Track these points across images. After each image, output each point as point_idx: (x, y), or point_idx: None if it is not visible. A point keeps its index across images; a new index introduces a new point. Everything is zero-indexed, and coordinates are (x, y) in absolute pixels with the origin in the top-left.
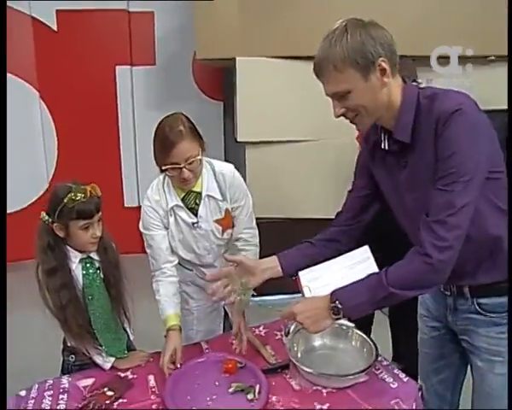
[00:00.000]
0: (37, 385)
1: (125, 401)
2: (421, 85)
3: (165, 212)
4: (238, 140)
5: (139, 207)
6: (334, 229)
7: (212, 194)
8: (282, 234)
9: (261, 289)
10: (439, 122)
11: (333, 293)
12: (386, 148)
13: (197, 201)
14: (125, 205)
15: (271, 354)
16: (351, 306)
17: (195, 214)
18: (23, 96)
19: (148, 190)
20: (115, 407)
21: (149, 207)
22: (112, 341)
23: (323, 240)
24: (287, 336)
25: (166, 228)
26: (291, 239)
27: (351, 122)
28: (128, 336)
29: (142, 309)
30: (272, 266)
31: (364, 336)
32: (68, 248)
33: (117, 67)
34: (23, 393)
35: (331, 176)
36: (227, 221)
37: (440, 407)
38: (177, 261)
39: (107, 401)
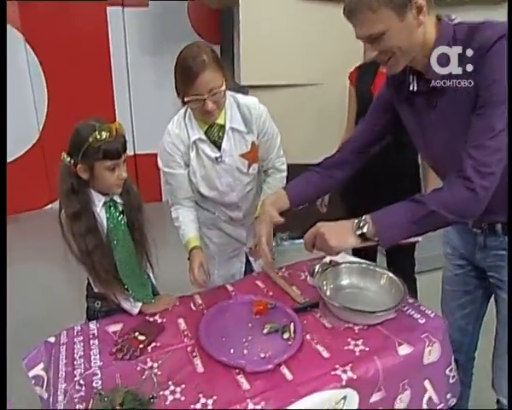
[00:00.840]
0: (65, 332)
1: (158, 344)
2: (456, 21)
3: (186, 147)
4: (242, 84)
5: (135, 156)
6: (339, 156)
7: (237, 126)
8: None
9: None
10: (481, 51)
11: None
12: (415, 89)
13: (220, 134)
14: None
15: (298, 293)
16: (384, 225)
17: (219, 148)
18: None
19: (169, 124)
20: (149, 350)
21: (170, 142)
22: (138, 286)
23: (328, 167)
24: (312, 276)
25: (187, 166)
26: None
27: (383, 65)
28: (151, 281)
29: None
30: (279, 198)
31: (392, 274)
32: (91, 191)
33: (108, 8)
34: (52, 339)
35: (337, 120)
36: (253, 155)
37: (462, 340)
38: (195, 197)
39: (141, 346)
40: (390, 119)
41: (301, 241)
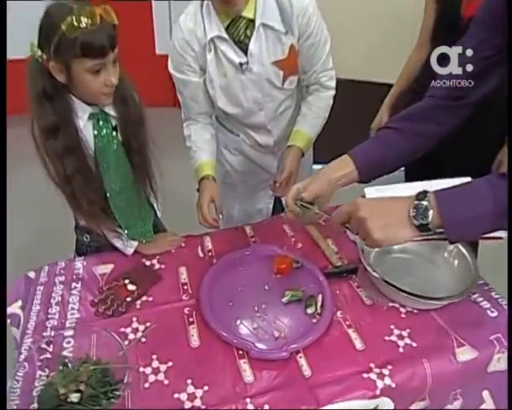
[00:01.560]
0: (47, 267)
1: (150, 299)
2: None
3: (201, 47)
4: None
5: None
6: (427, 104)
7: (271, 22)
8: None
9: None
10: None
11: (422, 192)
12: None
13: (248, 32)
14: (157, 52)
15: (334, 250)
16: (458, 216)
17: (245, 52)
18: None
19: (182, 16)
20: (138, 306)
21: (181, 39)
22: (134, 220)
23: (414, 120)
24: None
25: (204, 72)
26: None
27: None
28: (155, 213)
29: (175, 171)
30: (345, 171)
31: (462, 247)
32: (73, 98)
33: None
34: (32, 275)
35: (409, 30)
36: (290, 63)
37: None
38: (214, 114)
39: (128, 299)
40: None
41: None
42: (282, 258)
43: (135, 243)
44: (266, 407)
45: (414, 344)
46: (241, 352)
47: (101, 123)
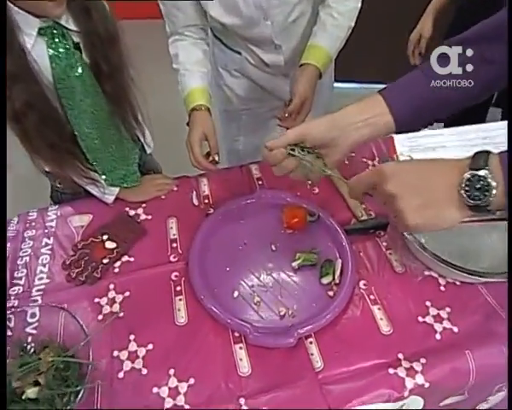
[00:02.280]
0: (16, 219)
1: (131, 259)
2: None
3: None
4: None
5: None
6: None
7: None
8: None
9: None
10: None
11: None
12: None
13: None
14: None
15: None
16: None
17: None
18: None
19: None
20: (116, 269)
21: None
22: (114, 162)
23: (479, 39)
24: None
25: None
26: None
27: None
28: (143, 148)
29: (164, 97)
30: (371, 114)
31: None
32: (16, 8)
33: None
34: None
35: None
36: None
37: None
38: (208, 26)
39: (105, 260)
40: None
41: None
42: (294, 209)
43: (115, 190)
44: (264, 408)
45: (455, 329)
46: (237, 334)
47: (56, 40)
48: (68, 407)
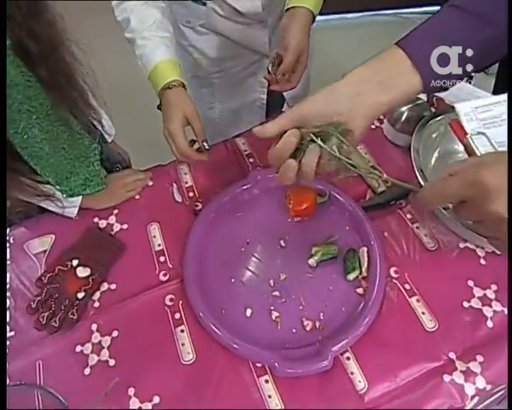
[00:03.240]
0: None
1: (112, 287)
2: None
3: None
4: None
5: None
6: None
7: None
8: None
9: None
10: None
11: None
12: None
13: None
14: None
15: (372, 164)
16: None
17: None
18: None
19: None
20: (96, 303)
21: None
22: (68, 167)
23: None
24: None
25: None
26: None
27: None
28: (102, 139)
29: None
30: (394, 78)
31: None
32: None
33: None
34: None
35: None
36: None
37: None
38: None
39: (80, 295)
40: None
41: None
42: (301, 192)
43: (77, 200)
44: None
45: (505, 311)
46: (259, 364)
47: None
48: None
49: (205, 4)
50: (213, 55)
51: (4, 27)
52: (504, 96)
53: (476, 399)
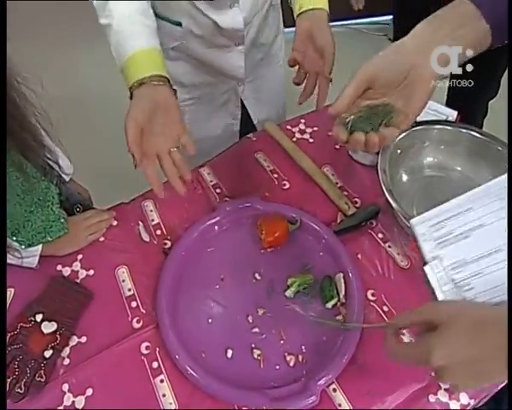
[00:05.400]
0: None
1: (82, 340)
2: None
3: None
4: None
5: None
6: None
7: None
8: None
9: None
10: None
11: None
12: None
13: None
14: None
15: (337, 186)
16: None
17: None
18: None
19: None
20: (66, 361)
21: None
22: (25, 214)
23: None
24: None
25: None
26: None
27: None
28: (60, 179)
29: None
30: (461, 30)
31: None
32: None
33: None
34: None
35: None
36: None
37: None
38: None
39: (48, 353)
40: None
41: None
42: (272, 221)
43: (37, 249)
44: None
45: None
46: (245, 409)
47: None
48: None
49: (180, 25)
50: (185, 82)
51: (4, 27)
52: (455, 200)
53: None
